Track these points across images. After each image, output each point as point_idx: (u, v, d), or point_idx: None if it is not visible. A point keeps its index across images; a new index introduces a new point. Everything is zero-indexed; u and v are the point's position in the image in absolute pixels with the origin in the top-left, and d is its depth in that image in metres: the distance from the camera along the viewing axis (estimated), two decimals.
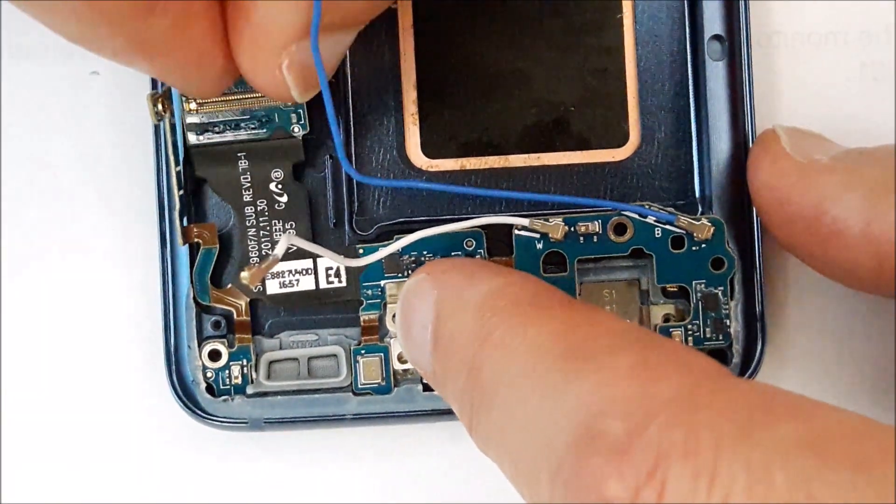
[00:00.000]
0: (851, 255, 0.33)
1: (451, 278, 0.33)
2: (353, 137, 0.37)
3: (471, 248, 0.36)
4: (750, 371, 0.37)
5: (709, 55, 0.37)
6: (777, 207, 0.34)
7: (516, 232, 0.36)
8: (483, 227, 0.36)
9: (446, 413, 0.36)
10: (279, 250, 0.33)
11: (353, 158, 0.37)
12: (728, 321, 0.36)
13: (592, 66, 0.37)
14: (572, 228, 0.36)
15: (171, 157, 0.36)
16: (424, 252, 0.36)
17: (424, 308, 0.33)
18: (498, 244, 0.37)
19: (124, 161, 0.38)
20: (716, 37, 0.37)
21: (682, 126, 0.37)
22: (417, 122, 0.37)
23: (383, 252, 0.35)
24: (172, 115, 0.35)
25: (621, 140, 0.37)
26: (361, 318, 0.37)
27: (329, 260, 0.36)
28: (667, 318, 0.37)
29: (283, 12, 0.29)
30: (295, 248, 0.36)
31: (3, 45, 0.38)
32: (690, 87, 0.37)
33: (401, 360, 0.36)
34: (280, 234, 0.36)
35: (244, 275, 0.32)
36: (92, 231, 0.38)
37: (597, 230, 0.36)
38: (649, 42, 0.37)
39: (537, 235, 0.36)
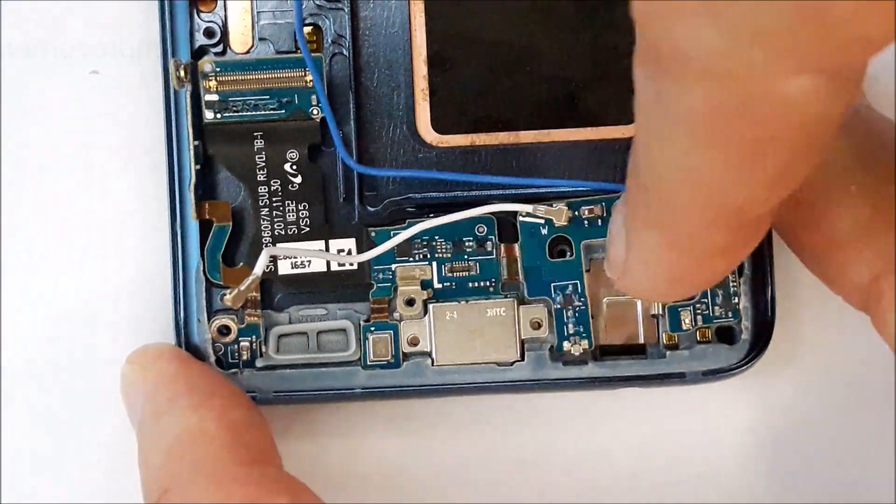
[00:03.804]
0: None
1: (158, 395, 0.35)
2: (362, 113, 0.37)
3: (482, 234, 0.37)
4: (759, 348, 0.37)
5: None
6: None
7: (521, 218, 0.36)
8: (489, 212, 0.36)
9: (455, 388, 0.37)
10: (259, 268, 0.34)
11: (363, 135, 0.37)
12: (737, 299, 0.37)
13: (604, 42, 0.37)
14: (576, 213, 0.36)
15: (190, 131, 0.36)
16: (436, 237, 0.37)
17: (136, 403, 0.35)
18: (506, 230, 0.37)
19: (125, 156, 0.38)
20: None
21: None
22: (428, 97, 0.37)
23: (390, 243, 0.36)
24: (193, 86, 0.35)
25: (631, 117, 0.37)
26: (372, 301, 0.37)
27: (340, 242, 0.36)
28: None
29: None
30: (308, 229, 0.36)
31: (3, 45, 0.38)
32: None
33: (411, 342, 0.37)
34: (293, 215, 0.36)
35: (227, 298, 0.34)
36: (94, 221, 0.39)
37: (600, 213, 0.36)
38: None
39: (542, 221, 0.36)
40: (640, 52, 0.25)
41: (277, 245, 0.36)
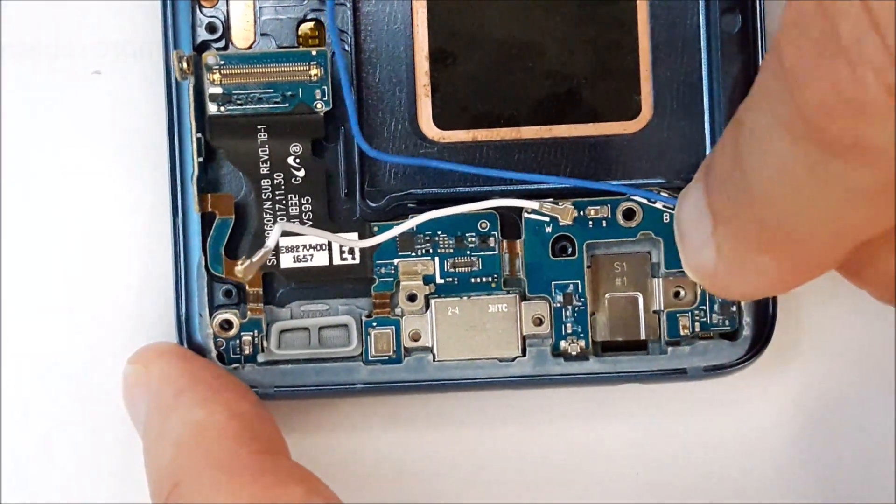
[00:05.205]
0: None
1: (163, 393, 0.35)
2: (364, 109, 0.37)
3: (485, 230, 0.37)
4: (760, 344, 0.37)
5: (722, 27, 0.37)
6: None
7: (526, 215, 0.37)
8: (496, 207, 0.36)
9: (457, 384, 0.37)
10: (271, 242, 0.33)
11: (365, 130, 0.37)
12: (735, 306, 0.37)
13: (605, 39, 0.37)
14: (581, 212, 0.36)
15: (192, 123, 0.36)
16: (438, 232, 0.37)
17: (139, 403, 0.35)
18: (509, 225, 0.37)
19: (127, 156, 0.38)
20: (730, 9, 0.37)
21: (694, 99, 0.37)
22: (430, 93, 0.37)
23: (396, 230, 0.36)
24: (196, 79, 0.36)
25: (633, 113, 0.37)
26: (373, 295, 0.37)
27: (343, 237, 0.36)
28: (676, 293, 0.37)
29: None
30: (311, 223, 0.36)
31: (3, 45, 0.38)
32: (704, 60, 0.37)
33: (412, 338, 0.37)
34: (296, 209, 0.36)
35: (238, 269, 0.34)
36: (96, 222, 0.39)
37: (606, 215, 0.37)
38: (662, 14, 0.37)
39: (547, 219, 0.36)
40: (802, 133, 0.26)
41: (287, 224, 0.36)
